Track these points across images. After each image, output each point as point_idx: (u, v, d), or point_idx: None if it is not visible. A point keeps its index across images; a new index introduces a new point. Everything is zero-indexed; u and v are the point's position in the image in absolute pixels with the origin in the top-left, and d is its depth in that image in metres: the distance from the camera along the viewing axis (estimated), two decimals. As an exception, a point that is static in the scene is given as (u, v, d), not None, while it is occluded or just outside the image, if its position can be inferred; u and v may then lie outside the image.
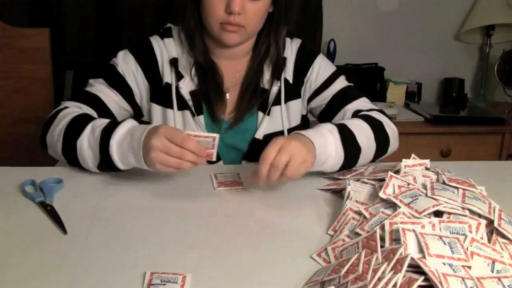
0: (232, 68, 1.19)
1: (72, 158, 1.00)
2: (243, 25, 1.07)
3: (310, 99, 1.23)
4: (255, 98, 1.18)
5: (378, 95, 2.29)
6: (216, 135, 0.89)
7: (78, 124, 1.00)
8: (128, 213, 0.86)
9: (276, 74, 1.18)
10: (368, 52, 2.39)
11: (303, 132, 0.97)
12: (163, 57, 1.16)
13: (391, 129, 1.12)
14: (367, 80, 2.30)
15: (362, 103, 1.17)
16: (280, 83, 1.18)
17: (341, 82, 1.21)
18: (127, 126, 0.95)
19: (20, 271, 0.67)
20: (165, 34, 1.19)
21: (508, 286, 0.60)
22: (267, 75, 1.19)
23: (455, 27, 2.46)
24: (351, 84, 1.23)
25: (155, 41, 1.17)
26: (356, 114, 1.13)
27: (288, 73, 1.20)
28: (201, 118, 1.16)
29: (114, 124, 0.96)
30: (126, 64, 1.15)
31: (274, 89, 1.18)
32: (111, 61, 1.17)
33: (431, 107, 2.30)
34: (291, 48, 1.21)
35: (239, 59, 1.19)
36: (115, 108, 1.14)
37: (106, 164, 0.95)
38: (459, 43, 2.48)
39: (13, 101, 1.90)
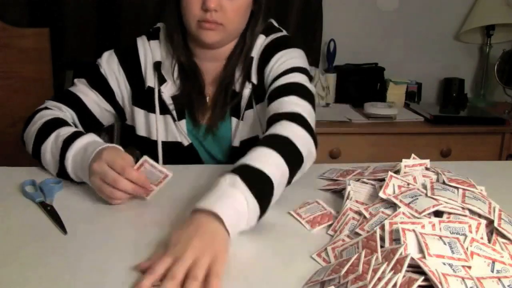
0: (214, 70, 1.16)
1: (39, 161, 1.01)
2: (221, 23, 1.05)
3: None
4: (227, 103, 1.14)
5: (378, 95, 2.29)
6: (169, 174, 0.86)
7: (48, 129, 1.00)
8: (128, 213, 0.85)
9: (247, 76, 1.14)
10: (368, 52, 2.39)
11: (204, 204, 0.73)
12: (147, 60, 1.15)
13: (301, 139, 0.92)
14: (367, 80, 2.30)
15: (284, 103, 0.99)
16: (252, 85, 1.13)
17: (292, 78, 1.06)
18: (85, 140, 0.94)
19: (20, 271, 0.67)
20: (152, 35, 1.17)
21: (508, 286, 0.60)
22: (239, 77, 1.14)
23: (455, 27, 2.46)
24: (303, 83, 1.05)
25: (141, 43, 1.16)
26: (269, 123, 0.96)
27: (254, 74, 1.13)
28: (183, 122, 1.15)
29: (76, 135, 0.95)
30: (109, 65, 1.14)
31: (246, 92, 1.13)
32: (96, 61, 1.17)
33: (431, 107, 2.30)
34: (261, 46, 1.14)
35: (221, 61, 1.16)
36: (95, 108, 1.14)
37: (63, 174, 0.94)
38: (459, 43, 2.49)
39: (13, 101, 1.90)
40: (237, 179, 0.77)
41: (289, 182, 0.88)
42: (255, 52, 1.14)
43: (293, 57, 1.11)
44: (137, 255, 0.72)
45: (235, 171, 0.79)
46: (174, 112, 1.14)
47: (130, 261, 0.70)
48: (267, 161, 0.83)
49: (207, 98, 1.18)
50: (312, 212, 0.86)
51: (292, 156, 0.89)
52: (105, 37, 2.10)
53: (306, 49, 1.17)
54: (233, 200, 0.75)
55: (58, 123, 1.02)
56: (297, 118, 0.95)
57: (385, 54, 2.40)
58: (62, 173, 0.95)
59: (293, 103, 0.99)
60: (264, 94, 1.10)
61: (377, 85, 2.32)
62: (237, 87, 1.14)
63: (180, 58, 1.13)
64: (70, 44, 2.07)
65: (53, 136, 0.98)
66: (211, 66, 1.17)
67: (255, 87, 1.13)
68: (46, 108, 1.09)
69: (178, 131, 1.15)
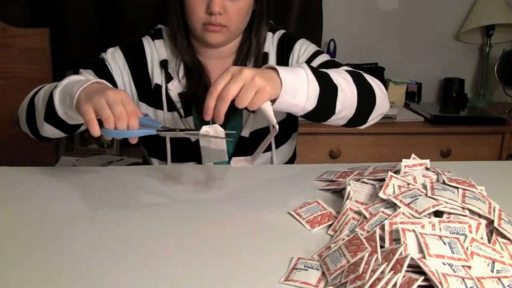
0: (219, 67, 1.18)
1: (33, 120, 0.99)
2: (225, 25, 1.07)
3: None
4: None
5: (378, 95, 2.29)
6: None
7: (42, 87, 1.00)
8: (128, 213, 0.85)
9: None
10: (368, 52, 2.39)
11: (269, 64, 0.90)
12: (153, 58, 1.17)
13: (374, 81, 1.04)
14: (367, 80, 2.30)
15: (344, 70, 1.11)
16: None
17: (322, 58, 1.17)
18: (81, 76, 0.97)
19: (19, 271, 0.67)
20: (156, 35, 1.19)
21: (508, 286, 0.60)
22: None
23: (455, 27, 2.46)
24: (334, 59, 1.19)
25: (147, 42, 1.18)
26: None
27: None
28: (190, 119, 1.16)
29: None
30: (114, 59, 1.15)
31: None
32: (101, 54, 1.17)
33: (431, 107, 2.30)
34: (273, 41, 1.20)
35: (225, 59, 1.19)
36: None
37: (50, 112, 0.91)
38: (459, 43, 2.49)
39: (13, 101, 1.88)
40: (303, 64, 0.91)
41: (361, 104, 0.97)
42: (269, 48, 1.19)
43: (310, 44, 1.21)
44: (137, 255, 0.72)
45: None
46: (181, 110, 1.15)
47: (130, 261, 0.70)
48: (333, 71, 0.96)
49: None
50: (312, 212, 0.86)
51: (361, 82, 0.99)
52: (105, 37, 2.09)
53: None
54: (293, 69, 0.88)
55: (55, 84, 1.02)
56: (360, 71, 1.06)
57: (385, 54, 2.40)
58: (48, 111, 0.92)
59: (352, 69, 1.08)
60: None
61: (377, 85, 2.32)
62: None
63: (184, 57, 1.15)
64: (70, 44, 2.06)
65: (48, 85, 0.98)
66: (215, 63, 1.19)
67: None
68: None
69: (186, 127, 1.15)
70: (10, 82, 1.89)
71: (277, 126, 0.82)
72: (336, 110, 0.94)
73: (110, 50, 1.17)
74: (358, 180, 0.90)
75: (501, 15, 2.30)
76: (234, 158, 0.88)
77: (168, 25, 1.19)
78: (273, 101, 0.85)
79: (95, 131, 0.77)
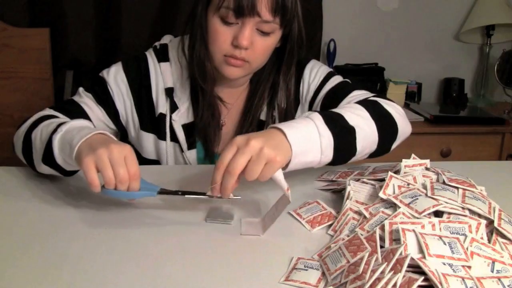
0: (230, 98, 1.13)
1: (29, 154, 0.94)
2: (248, 61, 0.99)
3: (310, 108, 1.15)
4: (252, 131, 1.05)
5: (378, 95, 2.30)
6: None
7: (42, 118, 0.96)
8: (129, 213, 0.85)
9: (272, 103, 1.12)
10: (368, 52, 2.39)
11: (276, 124, 0.84)
12: (158, 85, 1.10)
13: (392, 106, 1.00)
14: (367, 80, 2.30)
15: (356, 96, 1.06)
16: (278, 110, 1.12)
17: (334, 81, 1.13)
18: (84, 123, 0.90)
19: (19, 271, 0.67)
20: (162, 56, 1.11)
21: (508, 286, 0.60)
22: (265, 106, 1.13)
23: (455, 27, 2.46)
24: (346, 80, 1.14)
25: (152, 64, 1.10)
26: None
27: (280, 97, 1.12)
28: (193, 152, 1.12)
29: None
30: (117, 84, 1.08)
31: (270, 120, 1.13)
32: (103, 73, 1.10)
33: (431, 107, 2.31)
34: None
35: (237, 88, 1.13)
36: (99, 124, 1.08)
37: (47, 156, 0.87)
38: (459, 43, 2.49)
39: (13, 101, 1.90)
40: (314, 113, 0.87)
41: (384, 138, 0.94)
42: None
43: (320, 65, 1.16)
44: (137, 256, 0.72)
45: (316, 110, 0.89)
46: (182, 142, 1.11)
47: (130, 262, 0.70)
48: (348, 109, 0.92)
49: (223, 126, 1.14)
50: (312, 212, 0.86)
51: (379, 113, 0.95)
52: (105, 37, 2.09)
53: (306, 49, 1.16)
54: (302, 123, 0.83)
55: (55, 117, 0.98)
56: (382, 97, 1.03)
57: (385, 54, 2.40)
58: (46, 155, 0.87)
59: (367, 93, 1.07)
60: (291, 115, 1.14)
61: (377, 85, 2.32)
62: (262, 116, 1.13)
63: (204, 87, 1.06)
64: (70, 44, 2.06)
65: (47, 122, 0.93)
66: (226, 92, 1.12)
67: (281, 112, 1.13)
68: (45, 115, 1.02)
69: (185, 161, 1.12)
70: (10, 82, 1.89)
71: (289, 195, 0.77)
72: (357, 152, 0.91)
73: (112, 72, 1.09)
74: (358, 180, 0.90)
75: (501, 15, 2.30)
76: (244, 221, 0.81)
77: (178, 34, 1.11)
78: (286, 164, 0.81)
79: (96, 190, 0.76)
